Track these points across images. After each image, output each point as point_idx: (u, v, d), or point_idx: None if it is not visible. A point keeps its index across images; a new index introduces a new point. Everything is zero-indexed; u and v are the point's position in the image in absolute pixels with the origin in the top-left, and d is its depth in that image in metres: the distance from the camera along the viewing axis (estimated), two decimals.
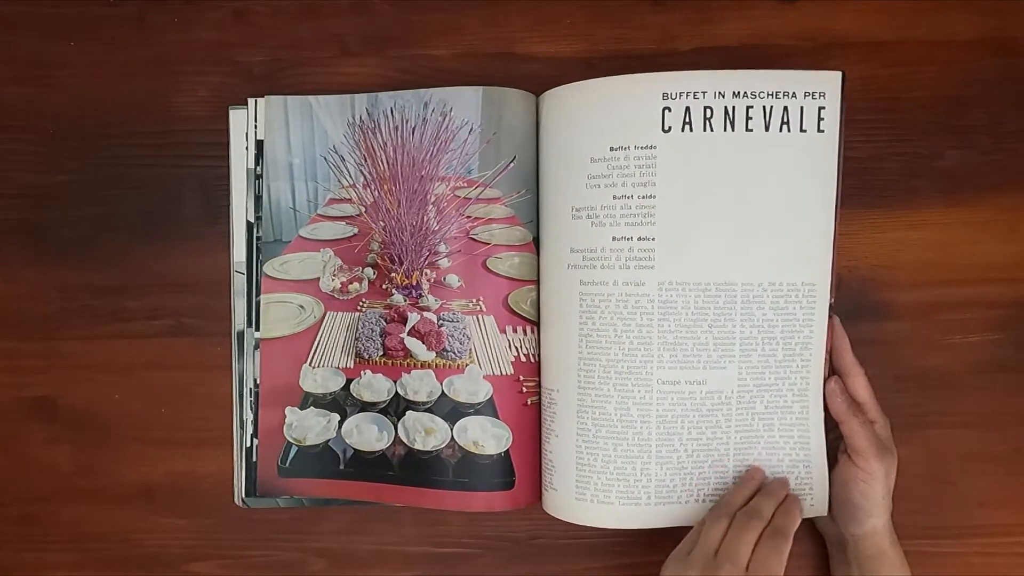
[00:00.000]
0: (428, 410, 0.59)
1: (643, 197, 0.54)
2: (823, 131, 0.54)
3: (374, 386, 0.60)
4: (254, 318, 0.60)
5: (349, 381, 0.60)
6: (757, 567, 0.48)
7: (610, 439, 0.55)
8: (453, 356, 0.59)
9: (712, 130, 0.54)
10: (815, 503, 0.55)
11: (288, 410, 0.60)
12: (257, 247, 0.60)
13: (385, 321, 0.60)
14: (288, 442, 0.60)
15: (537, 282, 0.59)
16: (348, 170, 0.61)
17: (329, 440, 0.60)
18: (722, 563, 0.48)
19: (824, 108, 0.54)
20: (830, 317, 0.55)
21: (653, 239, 0.54)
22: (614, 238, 0.55)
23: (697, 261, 0.54)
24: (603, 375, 0.55)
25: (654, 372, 0.54)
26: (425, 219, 0.60)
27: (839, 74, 0.54)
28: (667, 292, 0.54)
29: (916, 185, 0.60)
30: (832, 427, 0.55)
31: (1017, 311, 0.60)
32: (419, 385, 0.59)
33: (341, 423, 0.60)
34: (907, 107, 0.60)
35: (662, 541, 0.59)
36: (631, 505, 0.55)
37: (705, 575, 0.48)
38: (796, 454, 0.55)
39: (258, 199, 0.60)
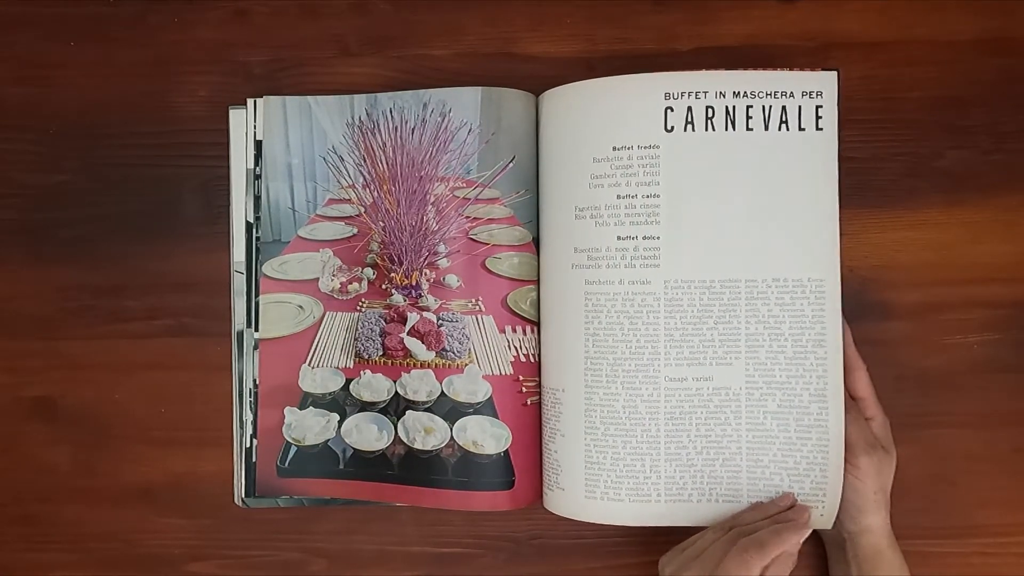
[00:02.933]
0: (428, 410, 0.59)
1: (647, 196, 0.54)
2: (821, 129, 0.54)
3: (373, 386, 0.60)
4: (253, 318, 0.60)
5: (348, 381, 0.60)
6: (721, 571, 0.49)
7: (619, 436, 0.55)
8: (452, 356, 0.59)
9: (714, 129, 0.54)
10: (824, 513, 0.54)
11: (287, 410, 0.60)
12: (256, 247, 0.60)
13: (384, 321, 0.60)
14: (287, 442, 0.60)
15: (537, 282, 0.59)
16: (347, 170, 0.61)
17: (328, 440, 0.60)
18: (691, 564, 0.50)
19: (822, 107, 0.54)
20: None
21: (658, 238, 0.54)
22: (619, 237, 0.55)
23: (702, 259, 0.54)
24: (611, 373, 0.55)
25: (661, 369, 0.54)
26: (424, 219, 0.60)
27: (835, 73, 0.54)
28: (672, 290, 0.54)
29: (916, 185, 0.60)
30: None
31: (1017, 311, 0.60)
32: (419, 385, 0.59)
33: (340, 423, 0.60)
34: (907, 107, 0.60)
35: (662, 541, 0.59)
36: (642, 502, 0.55)
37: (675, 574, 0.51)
38: (813, 456, 0.54)
39: (257, 199, 0.60)
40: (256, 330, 0.60)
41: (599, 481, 0.56)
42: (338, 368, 0.60)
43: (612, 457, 0.55)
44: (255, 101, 0.60)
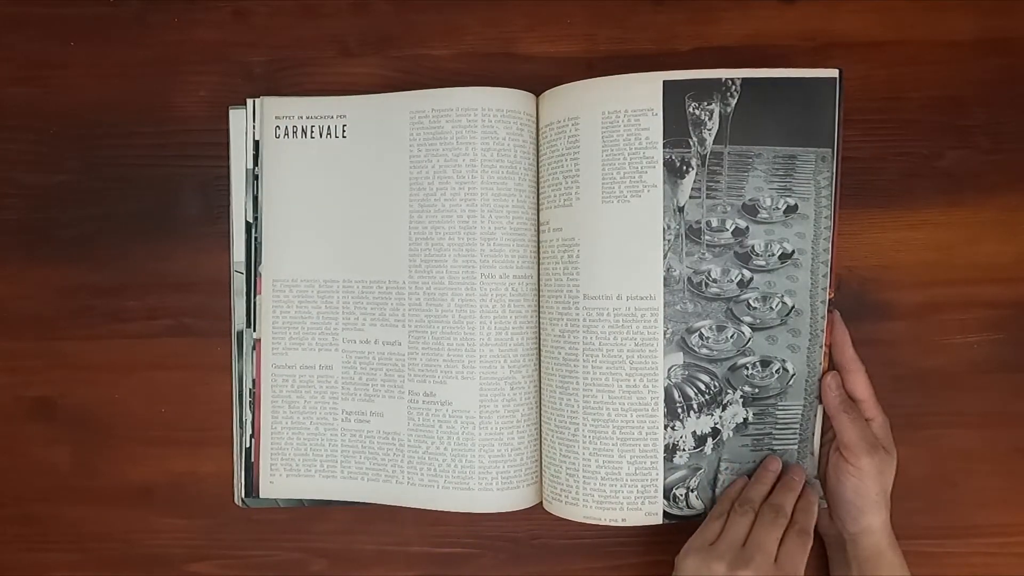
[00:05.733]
0: None
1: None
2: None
3: None
4: (253, 318, 0.60)
5: None
6: (785, 561, 0.50)
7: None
8: None
9: None
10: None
11: None
12: (256, 247, 0.60)
13: None
14: None
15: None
16: None
17: None
18: (753, 555, 0.49)
19: None
20: (831, 312, 0.55)
21: None
22: None
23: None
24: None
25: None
26: None
27: (836, 72, 0.54)
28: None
29: (916, 185, 0.60)
30: (829, 425, 0.55)
31: (1017, 311, 0.60)
32: None
33: None
34: (907, 107, 0.60)
35: (662, 541, 0.59)
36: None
37: (734, 568, 0.49)
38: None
39: (255, 199, 0.60)
40: (255, 330, 0.60)
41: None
42: None
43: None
44: (255, 101, 0.60)
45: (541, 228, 0.58)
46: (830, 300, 0.55)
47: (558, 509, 0.57)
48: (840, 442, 0.54)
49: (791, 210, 0.55)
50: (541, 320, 0.58)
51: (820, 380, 0.55)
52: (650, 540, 0.60)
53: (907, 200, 0.60)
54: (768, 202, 0.55)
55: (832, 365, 0.55)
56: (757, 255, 0.55)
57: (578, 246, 0.55)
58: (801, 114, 0.54)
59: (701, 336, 0.55)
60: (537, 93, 0.58)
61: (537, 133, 0.58)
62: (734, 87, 0.54)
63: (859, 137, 0.60)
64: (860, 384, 0.55)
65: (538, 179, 0.58)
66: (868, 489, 0.53)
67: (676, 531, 0.55)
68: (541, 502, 0.58)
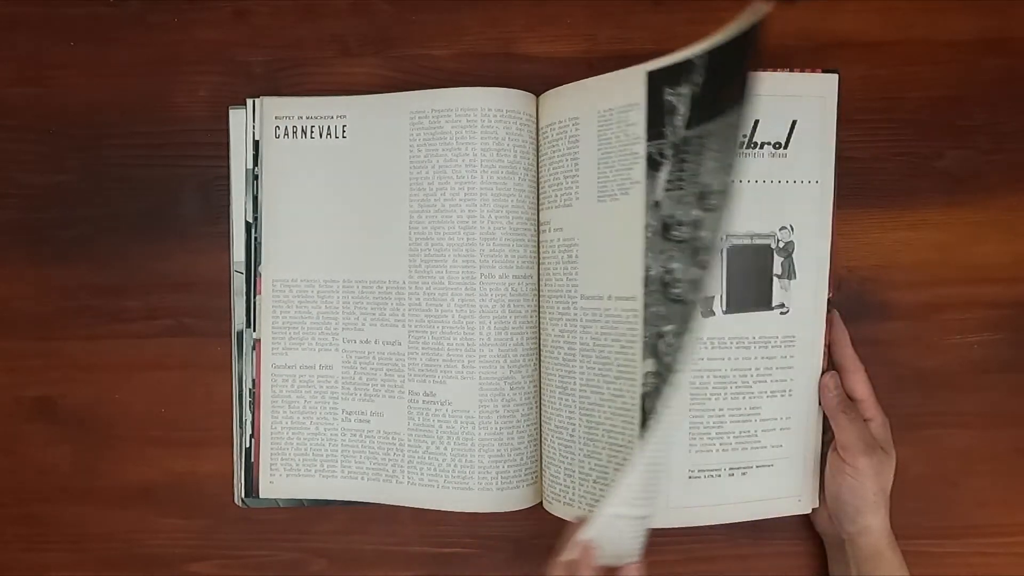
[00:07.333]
0: None
1: None
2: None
3: None
4: (253, 318, 0.60)
5: None
6: None
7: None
8: None
9: None
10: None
11: None
12: (256, 247, 0.60)
13: None
14: None
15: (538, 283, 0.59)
16: None
17: None
18: None
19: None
20: (830, 312, 0.55)
21: None
22: None
23: None
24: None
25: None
26: None
27: (835, 75, 0.54)
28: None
29: (916, 185, 0.60)
30: (828, 425, 0.55)
31: (1017, 311, 0.60)
32: None
33: None
34: (907, 107, 0.60)
35: (662, 541, 0.59)
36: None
37: None
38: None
39: (255, 199, 0.60)
40: (256, 330, 0.60)
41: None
42: None
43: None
44: (255, 101, 0.60)
45: (542, 228, 0.58)
46: (829, 300, 0.55)
47: (557, 509, 0.57)
48: (838, 442, 0.54)
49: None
50: (541, 320, 0.58)
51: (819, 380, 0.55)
52: (650, 540, 0.60)
53: (907, 200, 0.60)
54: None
55: (831, 365, 0.56)
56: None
57: (577, 246, 0.55)
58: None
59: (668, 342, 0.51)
60: (537, 93, 0.58)
61: (537, 133, 0.58)
62: (701, 63, 0.48)
63: (859, 137, 0.60)
64: (859, 384, 0.55)
65: (538, 179, 0.58)
66: (865, 489, 0.53)
67: (674, 533, 0.55)
68: (541, 502, 0.58)
